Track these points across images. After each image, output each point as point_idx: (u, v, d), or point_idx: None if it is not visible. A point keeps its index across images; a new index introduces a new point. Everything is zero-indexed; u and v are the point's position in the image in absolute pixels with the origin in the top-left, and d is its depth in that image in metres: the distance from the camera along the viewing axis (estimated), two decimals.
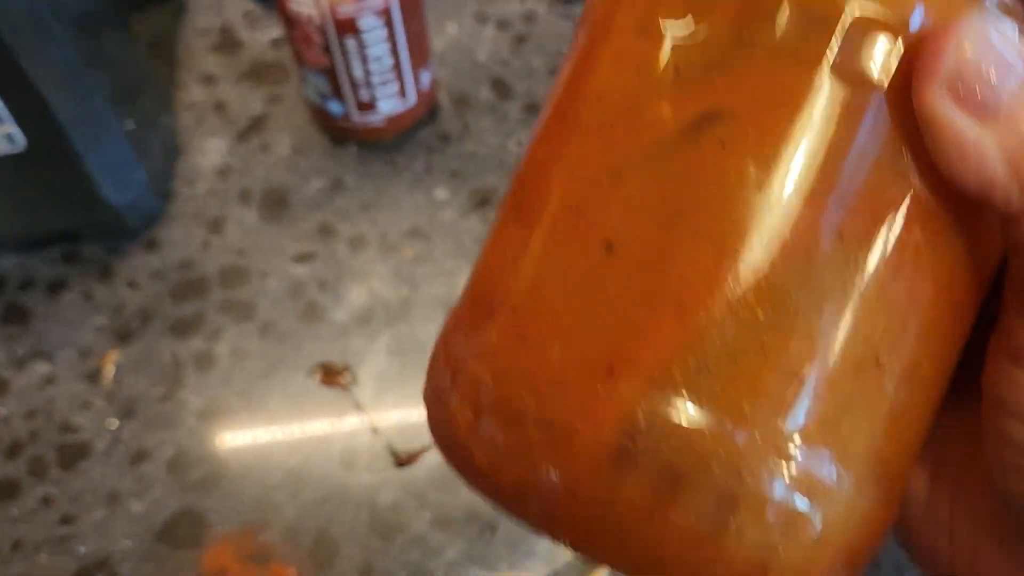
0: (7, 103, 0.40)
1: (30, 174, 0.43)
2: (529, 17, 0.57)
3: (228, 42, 0.57)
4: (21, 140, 0.42)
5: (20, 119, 0.41)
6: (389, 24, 0.45)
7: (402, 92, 0.49)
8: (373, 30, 0.44)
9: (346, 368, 0.44)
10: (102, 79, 0.43)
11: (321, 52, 0.45)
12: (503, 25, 0.57)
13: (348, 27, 0.44)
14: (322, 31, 0.44)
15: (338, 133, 0.51)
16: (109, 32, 0.45)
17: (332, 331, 0.45)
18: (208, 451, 0.42)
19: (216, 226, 0.49)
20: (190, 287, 0.47)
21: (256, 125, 0.53)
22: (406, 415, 0.43)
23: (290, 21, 0.45)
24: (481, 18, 0.57)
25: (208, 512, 0.41)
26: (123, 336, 0.46)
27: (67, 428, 0.43)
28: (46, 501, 0.41)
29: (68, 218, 0.46)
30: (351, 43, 0.45)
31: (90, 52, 0.42)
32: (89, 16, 0.43)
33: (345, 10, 0.43)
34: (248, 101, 0.54)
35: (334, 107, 0.49)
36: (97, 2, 0.44)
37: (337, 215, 0.49)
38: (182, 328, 0.46)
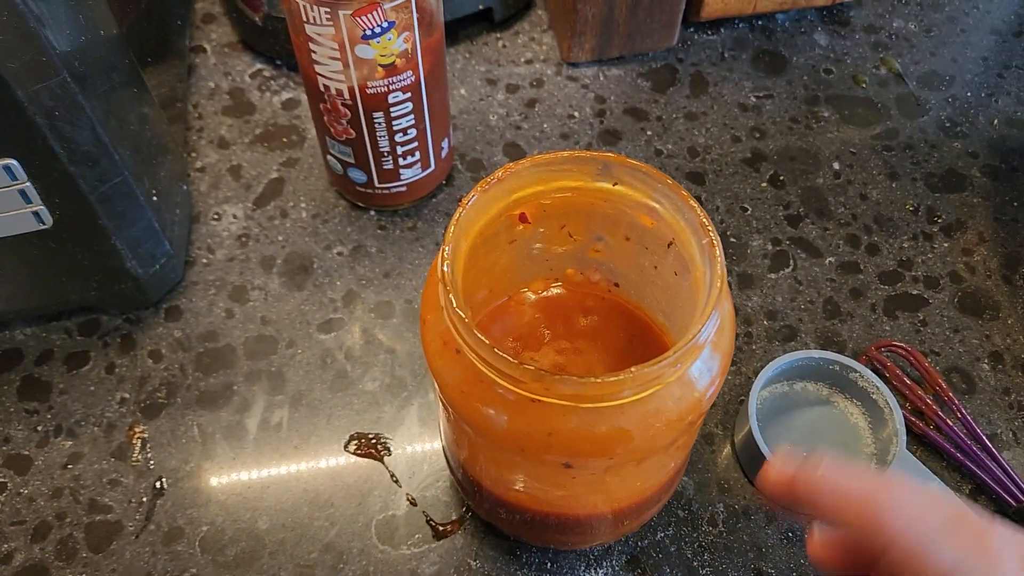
0: (36, 183, 0.40)
1: (55, 250, 0.43)
2: (537, 81, 0.58)
3: (240, 104, 0.57)
4: (48, 218, 0.41)
5: (48, 198, 0.41)
6: (417, 99, 0.45)
7: (424, 161, 0.49)
8: (401, 104, 0.45)
9: (379, 439, 0.45)
10: (127, 153, 0.43)
11: (348, 124, 0.46)
12: (512, 89, 0.58)
13: (378, 102, 0.44)
14: (350, 105, 0.45)
15: (358, 199, 0.51)
16: (132, 102, 0.45)
17: (363, 401, 0.46)
18: (243, 527, 0.42)
19: (239, 294, 0.49)
20: (216, 357, 0.47)
21: (273, 190, 0.53)
22: (441, 485, 0.43)
23: (317, 94, 0.45)
24: (490, 82, 0.58)
25: None
26: (148, 410, 0.45)
27: (96, 508, 0.43)
28: None
29: (89, 291, 0.46)
30: (379, 117, 0.45)
31: (117, 127, 0.42)
32: (115, 90, 0.42)
33: (375, 86, 0.44)
34: (263, 165, 0.54)
35: (356, 175, 0.49)
36: (121, 73, 0.43)
37: (361, 282, 0.49)
38: (210, 400, 0.46)
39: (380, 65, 0.43)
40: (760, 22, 0.61)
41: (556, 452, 0.30)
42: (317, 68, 0.43)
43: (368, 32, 0.41)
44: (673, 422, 0.30)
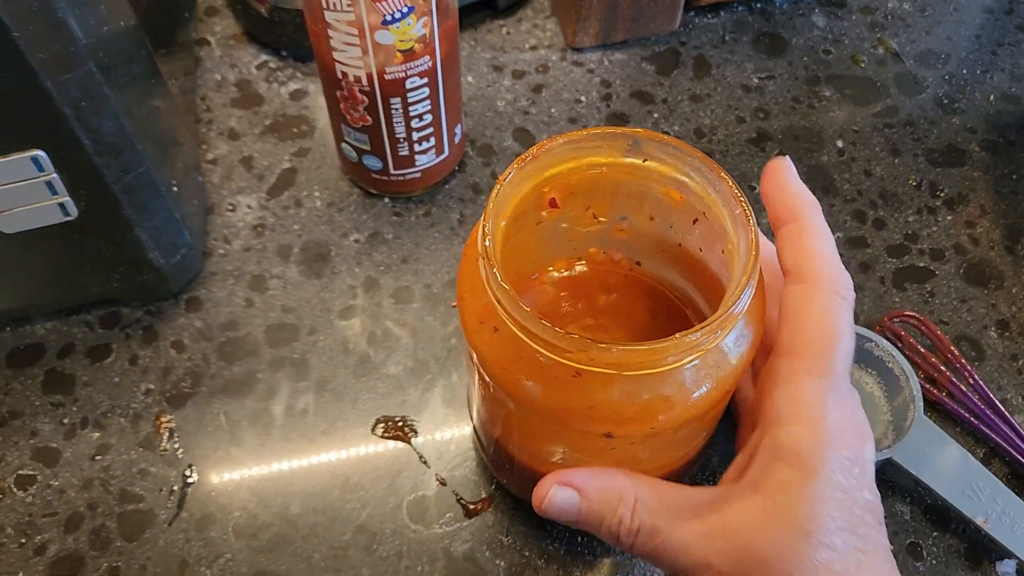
0: (62, 174, 0.40)
1: (79, 242, 0.43)
2: (543, 66, 0.59)
3: (247, 96, 0.57)
4: (74, 210, 0.41)
5: (73, 189, 0.41)
6: (433, 84, 0.46)
7: (439, 147, 0.50)
8: (418, 89, 0.46)
9: (405, 421, 0.45)
10: (148, 144, 0.43)
11: (365, 111, 0.46)
12: (519, 75, 0.58)
13: (395, 88, 0.45)
14: (368, 92, 0.45)
15: (372, 186, 0.52)
16: (150, 94, 0.45)
17: (387, 385, 0.46)
18: (275, 512, 0.43)
19: (257, 283, 0.49)
20: (238, 346, 0.47)
21: (286, 179, 0.53)
22: (469, 464, 0.44)
23: (334, 81, 0.46)
24: (496, 69, 0.58)
25: (283, 575, 0.41)
26: (174, 399, 0.46)
27: (127, 497, 0.43)
28: (113, 574, 0.41)
29: (111, 283, 0.46)
30: (396, 103, 0.46)
31: (139, 118, 0.42)
32: (135, 81, 0.43)
33: (394, 71, 0.44)
34: (274, 155, 0.54)
35: (372, 162, 0.49)
36: (139, 64, 0.43)
37: (379, 268, 0.50)
38: (235, 389, 0.46)
39: (399, 50, 0.43)
40: (759, 5, 0.62)
41: (599, 422, 0.31)
42: (335, 55, 0.44)
43: (388, 17, 0.41)
44: (711, 390, 0.31)
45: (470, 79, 0.58)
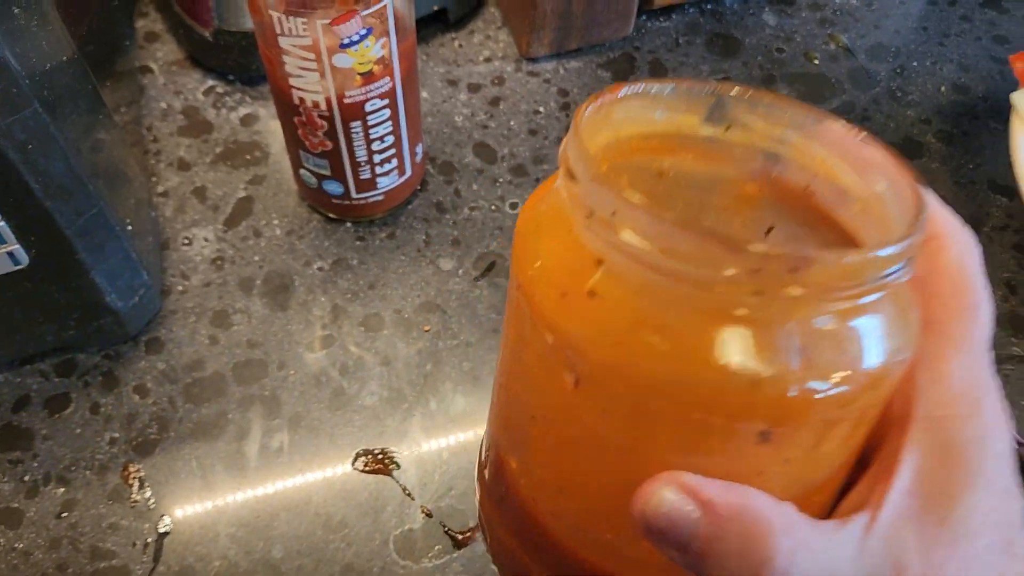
0: (11, 222, 0.38)
1: (31, 290, 0.41)
2: (499, 78, 0.58)
3: (196, 123, 0.55)
4: (24, 258, 0.39)
5: (23, 236, 0.39)
6: (393, 105, 0.45)
7: (401, 167, 0.48)
8: (379, 112, 0.44)
9: (385, 453, 0.44)
10: (99, 183, 0.41)
11: (324, 137, 0.45)
12: (474, 88, 0.57)
13: (355, 111, 0.44)
14: (327, 116, 0.44)
15: (333, 211, 0.50)
16: (97, 128, 0.43)
17: (363, 416, 0.45)
18: (257, 559, 0.41)
19: (220, 319, 0.47)
20: (205, 387, 0.45)
21: (242, 209, 0.51)
22: (455, 493, 0.43)
23: (291, 107, 0.44)
24: (451, 83, 0.57)
25: None
26: (141, 447, 0.44)
27: (98, 554, 0.41)
28: None
29: (67, 330, 0.44)
30: (356, 126, 0.44)
31: (88, 156, 0.40)
32: (81, 117, 0.41)
33: (353, 95, 0.43)
34: (228, 184, 0.52)
35: (332, 188, 0.48)
36: (85, 99, 0.41)
37: (345, 296, 0.48)
38: (204, 431, 0.44)
39: (358, 73, 0.42)
40: (709, 6, 0.62)
41: (760, 408, 0.21)
42: (291, 81, 0.42)
43: (346, 40, 0.40)
44: (893, 357, 0.22)
45: (425, 95, 0.57)
